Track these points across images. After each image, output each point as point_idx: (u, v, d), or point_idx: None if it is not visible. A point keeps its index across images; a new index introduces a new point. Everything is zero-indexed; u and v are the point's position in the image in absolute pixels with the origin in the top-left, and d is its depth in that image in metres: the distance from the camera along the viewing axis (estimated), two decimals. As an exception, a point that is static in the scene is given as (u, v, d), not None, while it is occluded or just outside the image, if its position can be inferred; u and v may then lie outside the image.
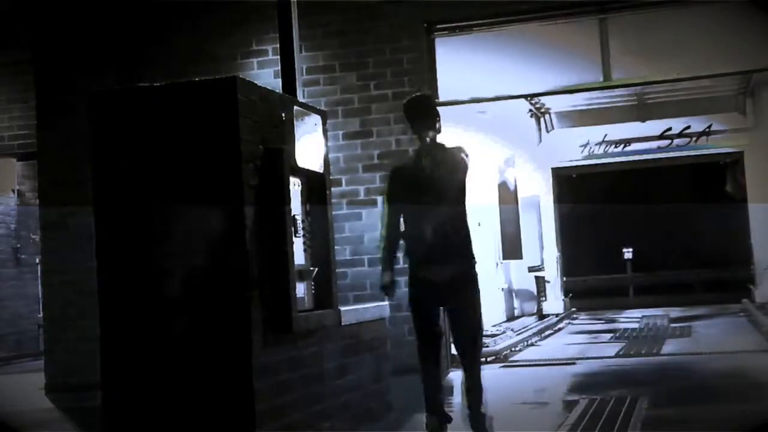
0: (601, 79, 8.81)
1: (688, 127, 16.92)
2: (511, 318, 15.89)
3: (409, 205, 5.47)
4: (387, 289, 5.69)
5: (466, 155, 5.58)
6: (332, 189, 6.71)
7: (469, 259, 5.62)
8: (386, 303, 7.01)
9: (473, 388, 5.49)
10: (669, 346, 10.80)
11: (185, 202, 4.90)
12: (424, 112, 5.60)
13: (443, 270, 5.40)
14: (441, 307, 5.64)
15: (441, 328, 5.71)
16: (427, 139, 5.51)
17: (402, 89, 8.68)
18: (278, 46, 6.92)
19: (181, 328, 4.87)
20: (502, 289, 16.01)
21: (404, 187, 5.51)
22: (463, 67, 8.99)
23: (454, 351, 9.37)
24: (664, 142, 17.16)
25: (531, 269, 17.12)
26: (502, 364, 9.81)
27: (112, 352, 4.99)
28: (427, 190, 5.40)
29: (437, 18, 8.87)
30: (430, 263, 5.41)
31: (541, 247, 17.70)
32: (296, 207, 5.33)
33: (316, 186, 5.70)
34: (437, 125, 5.57)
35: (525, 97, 13.50)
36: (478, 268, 5.67)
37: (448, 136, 5.76)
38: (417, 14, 8.76)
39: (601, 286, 19.04)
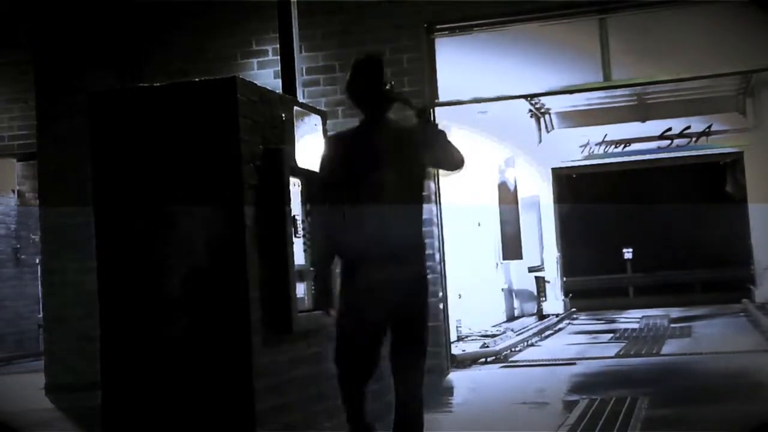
0: (601, 79, 8.81)
1: (688, 127, 16.92)
2: (511, 318, 15.89)
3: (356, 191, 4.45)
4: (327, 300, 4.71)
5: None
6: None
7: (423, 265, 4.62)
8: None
9: (409, 404, 4.44)
10: (669, 347, 10.81)
11: (185, 202, 4.89)
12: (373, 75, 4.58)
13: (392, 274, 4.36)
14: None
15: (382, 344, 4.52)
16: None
17: (402, 89, 8.68)
18: (278, 46, 6.92)
19: (181, 328, 4.87)
20: (502, 289, 16.01)
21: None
22: (463, 67, 8.98)
23: (453, 351, 9.43)
24: (664, 142, 17.16)
25: (531, 269, 17.12)
26: (502, 364, 9.81)
27: (112, 352, 4.99)
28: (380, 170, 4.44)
29: (437, 18, 8.86)
30: (376, 265, 4.36)
31: (541, 248, 17.70)
32: (296, 207, 5.33)
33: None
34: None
35: (525, 97, 13.50)
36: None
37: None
38: (417, 14, 8.76)
39: (601, 286, 19.03)
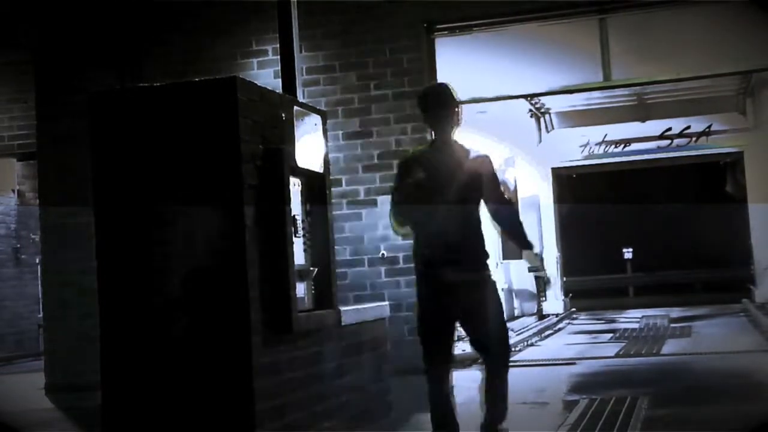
0: (601, 79, 8.82)
1: (688, 127, 16.93)
2: (511, 318, 15.88)
3: (422, 205, 4.90)
4: None
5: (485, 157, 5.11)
6: (332, 189, 6.71)
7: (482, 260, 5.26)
8: (386, 303, 7.01)
9: (496, 399, 5.20)
10: (669, 346, 10.80)
11: (185, 203, 4.89)
12: (441, 102, 4.95)
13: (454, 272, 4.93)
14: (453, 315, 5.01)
15: (454, 336, 5.14)
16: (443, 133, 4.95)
17: (402, 89, 8.70)
18: (278, 46, 6.93)
19: (181, 328, 4.87)
20: (502, 289, 16.01)
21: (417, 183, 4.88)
22: (463, 67, 8.99)
23: (458, 351, 9.41)
24: (664, 142, 17.17)
25: (531, 269, 17.10)
26: (502, 364, 9.79)
27: (112, 352, 4.98)
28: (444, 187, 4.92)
29: (437, 18, 8.87)
30: (441, 265, 4.90)
31: (541, 248, 17.70)
32: (296, 207, 5.33)
33: (316, 186, 5.70)
34: (455, 117, 4.94)
35: (525, 97, 13.50)
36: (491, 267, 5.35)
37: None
38: (417, 14, 8.77)
39: (601, 286, 19.03)
